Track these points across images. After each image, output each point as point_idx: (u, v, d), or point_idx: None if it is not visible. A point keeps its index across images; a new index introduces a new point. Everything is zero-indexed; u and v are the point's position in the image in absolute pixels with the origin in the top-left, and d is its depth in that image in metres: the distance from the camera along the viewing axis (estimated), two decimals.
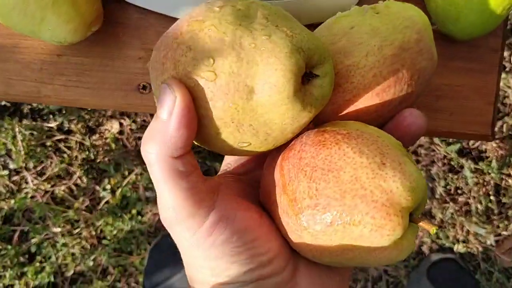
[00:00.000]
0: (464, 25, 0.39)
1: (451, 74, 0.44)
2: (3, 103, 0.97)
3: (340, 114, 0.34)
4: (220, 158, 0.93)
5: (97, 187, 0.99)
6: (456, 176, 0.97)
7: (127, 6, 0.42)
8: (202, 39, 0.28)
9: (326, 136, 0.30)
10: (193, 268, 0.30)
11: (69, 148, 0.99)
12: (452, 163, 0.97)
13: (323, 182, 0.28)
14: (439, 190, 0.97)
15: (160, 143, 0.28)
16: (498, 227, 0.97)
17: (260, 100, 0.28)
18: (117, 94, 0.43)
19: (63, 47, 0.43)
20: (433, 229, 0.29)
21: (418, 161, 0.97)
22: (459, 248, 0.97)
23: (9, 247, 0.98)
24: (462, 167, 0.97)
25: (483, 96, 0.44)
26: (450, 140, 0.96)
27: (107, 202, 0.98)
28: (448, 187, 0.98)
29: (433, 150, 0.96)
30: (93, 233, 0.98)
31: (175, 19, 0.42)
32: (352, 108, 0.34)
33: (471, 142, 0.96)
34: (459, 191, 0.98)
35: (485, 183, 0.97)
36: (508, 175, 0.97)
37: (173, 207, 0.28)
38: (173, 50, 0.28)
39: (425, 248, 0.98)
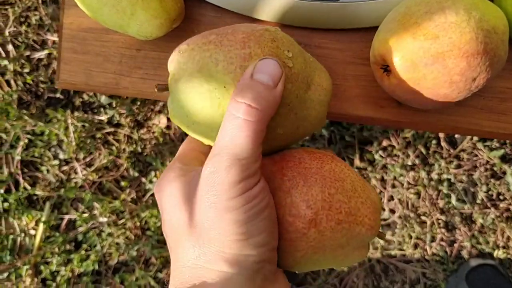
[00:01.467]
0: None
1: None
2: (57, 95, 1.01)
3: (429, 65, 0.36)
4: None
5: (143, 179, 1.01)
6: (498, 182, 0.97)
7: (205, 4, 0.44)
8: (281, 38, 0.35)
9: (318, 155, 0.36)
10: (206, 240, 0.30)
11: (118, 140, 1.02)
12: (495, 168, 0.97)
13: (333, 189, 0.34)
14: (481, 195, 0.97)
15: (265, 108, 0.30)
16: None
17: (311, 96, 0.36)
18: None
19: (142, 42, 0.45)
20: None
21: (460, 166, 0.97)
22: (499, 254, 0.97)
23: (57, 234, 1.02)
24: (504, 173, 0.97)
25: None
26: (494, 145, 0.96)
27: (152, 194, 1.01)
28: (490, 192, 0.98)
29: (476, 155, 0.96)
30: (138, 224, 1.01)
31: (250, 19, 0.44)
32: (441, 61, 0.35)
33: None
34: (501, 197, 0.98)
35: None
36: None
37: (246, 156, 0.29)
38: (256, 36, 0.34)
39: (464, 253, 0.98)
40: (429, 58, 0.36)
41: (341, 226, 0.34)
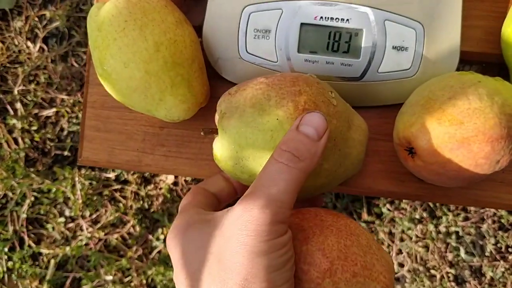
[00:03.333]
0: None
1: None
2: (64, 152, 1.01)
3: (454, 149, 0.37)
4: None
5: (150, 236, 1.01)
6: (506, 234, 0.97)
7: (228, 83, 0.45)
8: (323, 83, 0.38)
9: (334, 212, 0.37)
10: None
11: (124, 197, 1.02)
12: (502, 220, 0.97)
13: (349, 241, 0.34)
14: (489, 247, 0.97)
15: (307, 159, 0.31)
16: None
17: (353, 135, 0.39)
18: (213, 163, 0.45)
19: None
20: None
21: (467, 218, 0.98)
22: None
23: None
24: None
25: None
26: None
27: (159, 251, 1.00)
28: (498, 245, 0.98)
29: (483, 208, 0.97)
30: (144, 281, 1.00)
31: None
32: (466, 146, 0.36)
33: None
34: (510, 249, 0.98)
35: None
36: None
37: (282, 200, 0.29)
38: (303, 78, 0.37)
39: None
40: (454, 143, 0.37)
41: (356, 280, 0.33)
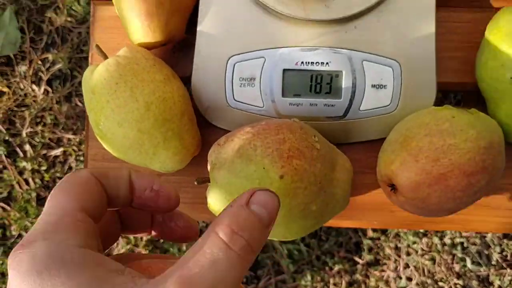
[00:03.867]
0: None
1: None
2: None
3: (432, 185, 0.39)
4: None
5: None
6: (511, 242, 0.98)
7: (219, 130, 0.47)
8: (307, 127, 0.41)
9: None
10: None
11: None
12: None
13: None
14: (495, 256, 0.98)
15: (257, 250, 0.24)
16: None
17: (337, 176, 0.40)
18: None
19: None
20: None
21: None
22: None
23: None
24: None
25: None
26: None
27: None
28: (504, 253, 0.99)
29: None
30: None
31: None
32: (443, 182, 0.38)
33: None
34: None
35: None
36: None
37: None
38: (287, 125, 0.39)
39: None
40: (432, 179, 0.39)
41: None
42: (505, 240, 0.98)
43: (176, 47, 0.48)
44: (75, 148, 1.02)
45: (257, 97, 0.45)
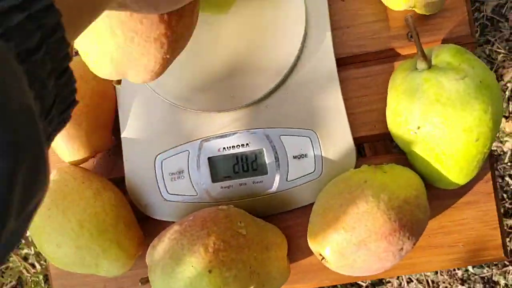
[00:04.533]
0: (448, 184, 0.44)
1: (453, 211, 0.49)
2: None
3: (355, 252, 0.40)
4: None
5: None
6: (508, 239, 0.98)
7: (162, 222, 0.50)
8: (233, 213, 0.43)
9: None
10: None
11: None
12: None
13: None
14: None
15: None
16: None
17: (269, 255, 0.43)
18: None
19: None
20: None
21: None
22: None
23: None
24: (511, 227, 0.98)
25: (487, 223, 0.49)
26: None
27: None
28: None
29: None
30: None
31: None
32: (364, 247, 0.40)
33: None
34: None
35: None
36: None
37: None
38: (211, 217, 0.42)
39: None
40: (353, 247, 0.40)
41: None
42: None
43: (111, 150, 0.51)
44: None
45: (189, 187, 0.48)
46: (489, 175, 0.49)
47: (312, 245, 0.43)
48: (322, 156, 0.47)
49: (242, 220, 0.43)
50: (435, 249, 0.49)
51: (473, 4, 0.99)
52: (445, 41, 0.48)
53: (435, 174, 0.44)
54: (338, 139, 0.47)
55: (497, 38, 0.97)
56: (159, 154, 0.48)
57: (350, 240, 0.40)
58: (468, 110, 0.40)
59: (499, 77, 0.98)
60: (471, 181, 0.46)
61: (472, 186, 0.49)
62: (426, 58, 0.42)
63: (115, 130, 0.49)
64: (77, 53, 0.51)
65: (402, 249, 0.41)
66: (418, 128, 0.41)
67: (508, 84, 0.97)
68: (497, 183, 0.50)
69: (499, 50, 0.97)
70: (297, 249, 0.49)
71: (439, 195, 0.48)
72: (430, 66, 0.42)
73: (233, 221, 0.42)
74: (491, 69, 0.97)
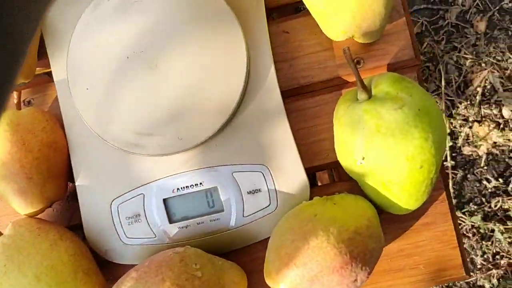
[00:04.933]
0: (399, 210, 0.44)
1: (411, 233, 0.49)
2: None
3: (311, 287, 0.41)
4: None
5: None
6: (489, 242, 0.98)
7: (124, 265, 0.50)
8: (188, 255, 0.43)
9: None
10: None
11: None
12: (481, 231, 0.98)
13: None
14: (479, 260, 0.98)
15: None
16: None
17: None
18: None
19: None
20: None
21: None
22: None
23: None
24: (492, 231, 0.98)
25: (446, 243, 0.49)
26: (472, 209, 0.99)
27: None
28: (486, 255, 0.99)
29: (459, 224, 0.98)
30: None
31: None
32: (317, 282, 0.40)
33: (493, 204, 0.98)
34: (498, 256, 0.99)
35: None
36: None
37: None
38: (166, 261, 0.42)
39: None
40: (307, 283, 0.41)
41: None
42: (483, 242, 0.98)
43: (70, 197, 0.51)
44: None
45: (147, 230, 0.48)
46: (444, 195, 0.49)
47: (269, 282, 0.43)
48: (276, 190, 0.47)
49: (198, 262, 0.43)
50: (397, 273, 0.49)
51: (437, 12, 1.00)
52: (390, 65, 0.49)
53: (386, 202, 0.44)
54: (290, 172, 0.47)
55: (464, 44, 0.98)
56: (114, 199, 0.48)
57: (303, 276, 0.40)
58: (409, 139, 0.40)
59: (469, 82, 0.99)
60: (426, 202, 0.47)
61: (428, 208, 0.49)
62: (366, 89, 0.42)
63: (72, 177, 0.49)
64: (26, 103, 0.52)
65: (356, 280, 0.41)
66: (363, 159, 0.42)
67: (478, 89, 0.98)
68: (453, 202, 0.50)
69: (467, 56, 0.98)
70: (259, 284, 0.49)
71: (396, 218, 0.48)
72: (370, 96, 0.42)
73: (188, 264, 0.42)
74: (459, 75, 0.98)
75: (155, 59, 0.45)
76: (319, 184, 0.75)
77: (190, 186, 0.47)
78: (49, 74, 0.52)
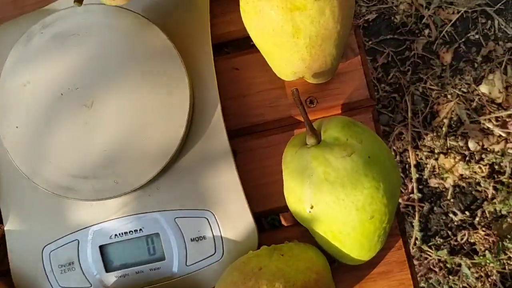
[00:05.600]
0: (352, 260, 0.42)
1: (367, 282, 0.46)
2: None
3: None
4: None
5: None
6: (456, 277, 0.97)
7: None
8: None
9: None
10: None
11: None
12: (448, 265, 0.97)
13: None
14: None
15: None
16: None
17: None
18: None
19: None
20: None
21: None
22: None
23: None
24: (459, 265, 0.96)
25: None
26: (438, 243, 0.97)
27: None
28: None
29: (426, 258, 0.96)
30: None
31: None
32: None
33: (459, 237, 0.96)
34: None
35: (488, 274, 0.95)
36: (509, 258, 0.96)
37: None
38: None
39: None
40: None
41: None
42: (450, 277, 0.97)
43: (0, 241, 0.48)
44: None
45: (81, 279, 0.44)
46: (400, 242, 0.47)
47: None
48: (222, 237, 0.44)
49: None
50: (371, 282, 0.46)
51: (404, 43, 0.99)
52: (345, 105, 0.47)
53: (337, 252, 0.41)
54: (236, 217, 0.44)
55: (429, 75, 0.97)
56: (46, 245, 0.44)
57: None
58: (359, 188, 0.38)
59: (435, 114, 0.98)
60: (383, 249, 0.45)
61: (384, 255, 0.46)
62: (315, 133, 0.40)
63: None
64: None
65: None
66: (312, 207, 0.39)
67: (445, 120, 0.97)
68: (410, 250, 0.48)
69: (432, 87, 0.97)
70: None
71: (350, 267, 0.45)
72: (319, 141, 0.40)
73: None
74: (426, 106, 0.97)
75: (91, 97, 0.42)
76: (283, 222, 0.73)
77: (129, 232, 0.44)
78: None
